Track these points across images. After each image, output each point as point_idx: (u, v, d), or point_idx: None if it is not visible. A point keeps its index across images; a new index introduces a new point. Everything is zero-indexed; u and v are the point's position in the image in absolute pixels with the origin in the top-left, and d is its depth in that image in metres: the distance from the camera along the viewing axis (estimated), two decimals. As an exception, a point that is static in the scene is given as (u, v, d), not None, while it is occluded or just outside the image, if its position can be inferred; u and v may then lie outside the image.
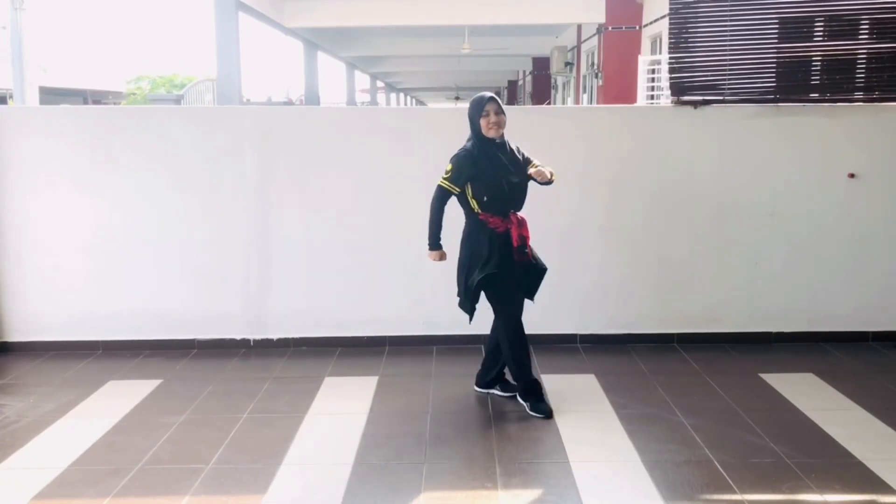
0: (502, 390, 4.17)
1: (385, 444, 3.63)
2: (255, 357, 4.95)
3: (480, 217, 3.89)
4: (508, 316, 3.96)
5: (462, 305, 4.00)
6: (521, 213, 3.95)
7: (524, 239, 3.92)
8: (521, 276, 3.98)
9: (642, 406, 4.04)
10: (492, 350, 4.14)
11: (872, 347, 5.04)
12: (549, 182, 3.87)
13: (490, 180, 3.84)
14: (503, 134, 3.90)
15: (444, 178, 3.86)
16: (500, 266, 3.87)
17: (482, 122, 3.83)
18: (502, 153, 3.90)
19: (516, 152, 3.96)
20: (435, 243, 3.95)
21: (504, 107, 3.89)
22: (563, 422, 3.84)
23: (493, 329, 4.10)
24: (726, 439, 3.62)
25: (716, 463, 3.38)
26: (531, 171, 3.90)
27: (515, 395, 4.09)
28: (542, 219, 5.02)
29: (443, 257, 3.97)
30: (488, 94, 3.91)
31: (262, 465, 3.41)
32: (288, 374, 4.61)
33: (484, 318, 4.05)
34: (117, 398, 4.23)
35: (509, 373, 4.15)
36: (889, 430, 3.73)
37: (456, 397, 4.21)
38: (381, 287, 5.07)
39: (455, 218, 3.98)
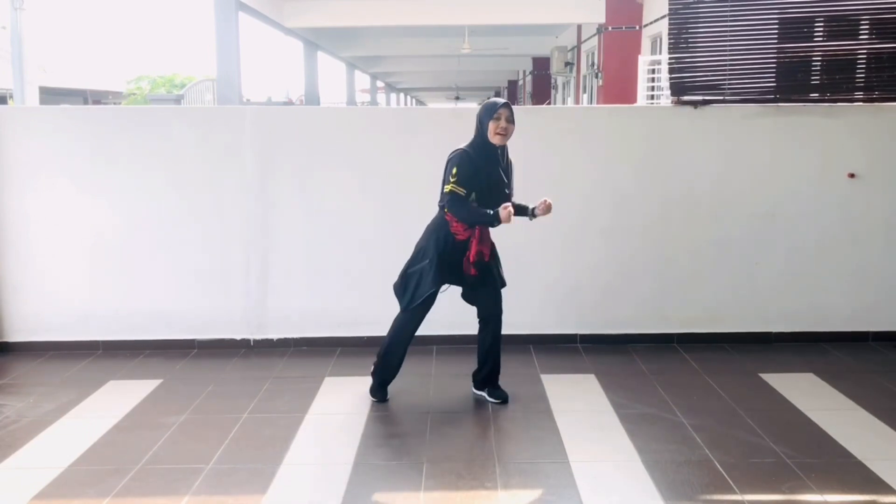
0: (490, 396, 4.14)
1: (385, 444, 3.63)
2: (255, 357, 4.95)
3: (447, 216, 3.89)
4: (411, 318, 4.00)
5: (396, 291, 4.04)
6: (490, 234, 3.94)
7: (482, 256, 3.88)
8: (471, 282, 3.99)
9: (642, 406, 4.04)
10: (483, 351, 4.13)
11: (872, 347, 5.04)
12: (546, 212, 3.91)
13: (479, 185, 3.81)
14: (506, 144, 3.90)
15: (454, 183, 3.77)
16: (451, 276, 3.93)
17: (491, 124, 3.80)
18: (499, 162, 3.89)
19: (510, 166, 3.96)
20: (492, 216, 3.74)
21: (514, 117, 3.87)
22: (563, 422, 3.84)
23: (480, 331, 4.10)
24: (726, 439, 3.62)
25: (716, 463, 3.38)
26: (540, 207, 3.88)
27: (503, 402, 4.08)
28: (542, 219, 5.04)
29: (508, 211, 3.71)
30: (503, 99, 3.90)
31: (262, 465, 3.41)
32: (288, 374, 4.61)
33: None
34: (117, 398, 4.23)
35: (473, 377, 4.21)
36: (889, 430, 3.73)
37: (456, 397, 4.21)
38: (381, 287, 5.05)
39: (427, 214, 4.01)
